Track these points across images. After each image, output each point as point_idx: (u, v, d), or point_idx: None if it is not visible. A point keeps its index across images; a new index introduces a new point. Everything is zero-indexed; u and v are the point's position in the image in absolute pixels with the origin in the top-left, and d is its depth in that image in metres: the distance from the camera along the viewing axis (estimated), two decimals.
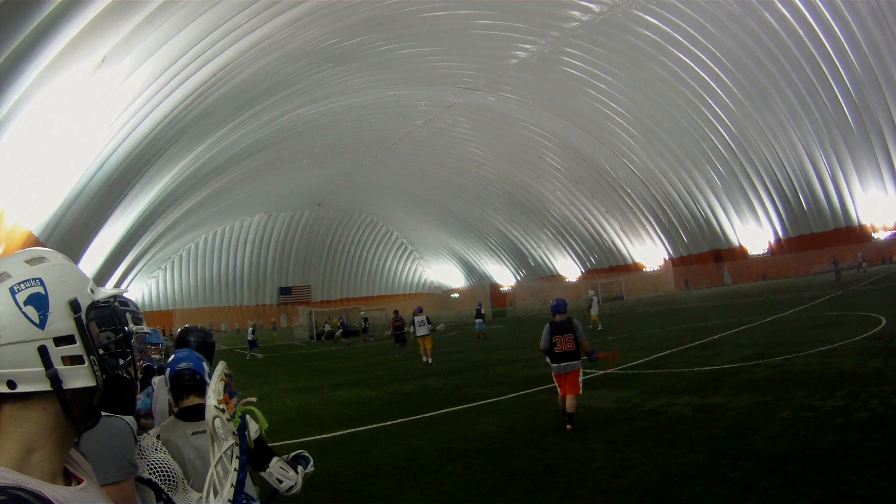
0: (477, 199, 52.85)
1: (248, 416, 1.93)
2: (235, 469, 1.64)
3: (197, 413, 2.47)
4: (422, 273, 77.08)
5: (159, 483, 2.06)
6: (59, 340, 0.96)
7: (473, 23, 27.53)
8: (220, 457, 1.63)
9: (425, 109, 37.25)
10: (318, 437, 8.32)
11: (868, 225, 34.07)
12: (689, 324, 20.56)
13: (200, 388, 2.58)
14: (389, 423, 8.84)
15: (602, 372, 11.31)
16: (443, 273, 74.39)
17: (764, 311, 21.51)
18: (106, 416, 1.54)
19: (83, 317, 0.99)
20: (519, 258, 59.85)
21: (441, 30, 27.40)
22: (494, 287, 61.11)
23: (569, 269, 54.54)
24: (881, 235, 33.98)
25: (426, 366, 16.14)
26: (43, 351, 0.94)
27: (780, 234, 38.13)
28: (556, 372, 7.64)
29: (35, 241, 16.26)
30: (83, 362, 0.98)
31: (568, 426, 7.25)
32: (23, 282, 0.95)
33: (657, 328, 20.55)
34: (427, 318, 17.39)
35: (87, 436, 1.66)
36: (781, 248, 38.52)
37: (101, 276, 27.01)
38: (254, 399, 2.03)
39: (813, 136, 32.06)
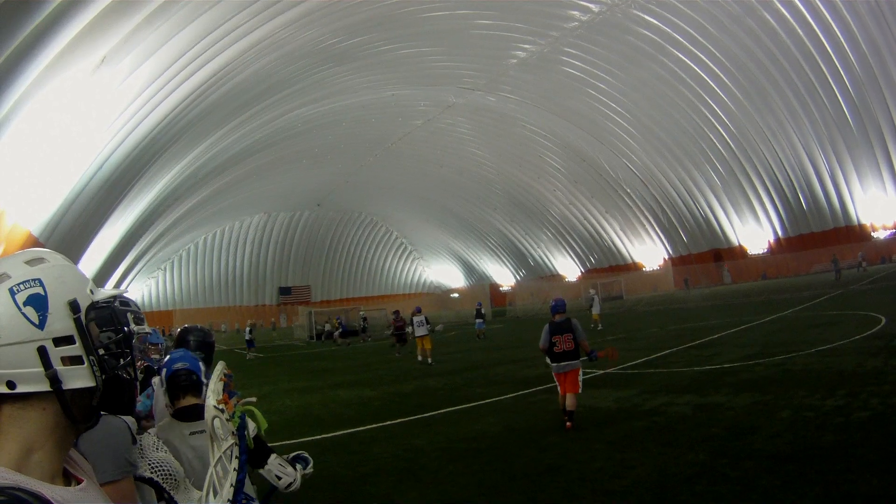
0: (477, 198, 52.85)
1: (245, 416, 1.93)
2: (235, 469, 1.64)
3: (194, 413, 2.46)
4: (421, 273, 77.08)
5: (161, 482, 2.06)
6: (59, 341, 0.96)
7: (473, 23, 27.53)
8: (220, 457, 1.63)
9: (425, 109, 37.26)
10: (318, 437, 8.32)
11: (868, 224, 34.09)
12: (689, 323, 20.56)
13: (197, 388, 2.56)
14: (389, 423, 8.84)
15: (602, 371, 11.31)
16: (442, 273, 74.39)
17: (764, 310, 21.51)
18: (103, 415, 1.54)
19: (82, 317, 0.99)
20: (518, 258, 59.85)
21: (441, 30, 27.40)
22: (494, 287, 61.12)
23: (568, 268, 54.54)
24: (881, 235, 33.99)
25: (426, 366, 16.11)
26: (42, 351, 0.94)
27: (780, 233, 38.15)
28: (555, 371, 7.69)
29: (35, 242, 16.27)
30: (83, 363, 0.98)
31: (567, 423, 7.28)
32: (22, 282, 0.95)
33: (657, 328, 20.55)
34: (426, 319, 17.34)
35: (84, 435, 1.66)
36: (781, 247, 38.54)
37: (101, 277, 27.01)
38: (253, 399, 2.03)
39: (812, 136, 32.07)
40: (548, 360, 7.86)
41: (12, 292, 0.94)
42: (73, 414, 0.96)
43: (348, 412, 10.19)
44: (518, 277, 61.57)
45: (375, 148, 42.63)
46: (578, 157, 42.25)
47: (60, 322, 0.96)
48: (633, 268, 48.13)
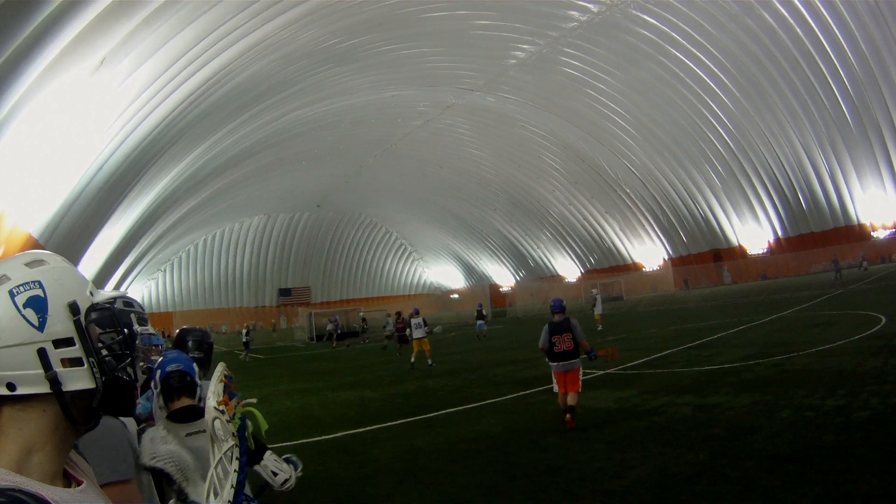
0: (476, 199, 52.86)
1: (245, 417, 1.93)
2: (235, 470, 1.64)
3: (189, 414, 2.44)
4: (421, 274, 77.06)
5: (172, 473, 2.07)
6: (59, 343, 0.96)
7: (472, 23, 27.54)
8: (220, 458, 1.63)
9: (424, 110, 37.26)
10: (318, 438, 8.32)
11: (867, 224, 34.11)
12: (689, 323, 20.56)
13: (191, 390, 2.54)
14: (390, 424, 8.84)
15: (602, 372, 11.32)
16: (442, 274, 74.37)
17: (763, 310, 21.52)
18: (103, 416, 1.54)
19: (82, 319, 0.99)
20: (518, 258, 59.85)
21: (440, 30, 27.41)
22: (494, 288, 61.15)
23: (568, 269, 54.54)
24: (880, 234, 34.01)
25: (427, 367, 16.07)
26: (42, 353, 0.94)
27: (780, 233, 38.16)
28: (556, 370, 7.73)
29: (34, 243, 16.26)
30: (82, 364, 0.98)
31: (567, 415, 7.34)
32: (22, 284, 0.95)
33: (657, 328, 20.55)
34: (424, 321, 17.26)
35: (84, 437, 1.66)
36: (781, 247, 38.55)
37: (101, 278, 26.99)
38: (254, 400, 2.03)
39: (812, 136, 32.09)
40: (548, 361, 7.90)
41: (12, 294, 0.94)
42: (73, 416, 0.97)
43: (349, 413, 10.19)
44: (518, 278, 61.57)
45: (375, 149, 42.62)
46: (578, 157, 42.26)
47: (60, 324, 0.97)
48: (633, 268, 48.13)
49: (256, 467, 2.53)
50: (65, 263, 1.05)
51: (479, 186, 50.10)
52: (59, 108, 13.88)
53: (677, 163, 38.34)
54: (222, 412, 1.72)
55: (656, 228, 44.57)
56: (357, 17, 22.61)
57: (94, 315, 1.03)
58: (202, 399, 2.54)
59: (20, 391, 0.92)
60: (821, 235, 35.95)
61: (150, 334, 3.68)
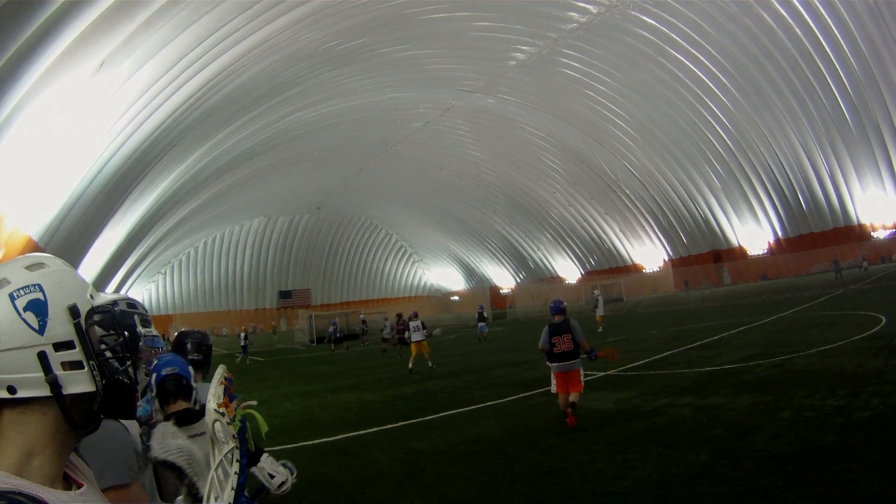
0: (476, 201, 52.87)
1: (246, 420, 1.93)
2: (236, 472, 1.64)
3: (185, 418, 2.44)
4: (421, 276, 77.06)
5: (183, 468, 2.07)
6: (59, 346, 0.96)
7: (472, 25, 27.58)
8: (221, 460, 1.63)
9: (424, 112, 37.29)
10: (319, 440, 8.32)
11: (867, 224, 34.12)
12: (689, 324, 20.56)
13: (187, 393, 2.54)
14: (390, 426, 8.83)
15: (602, 373, 11.31)
16: (442, 276, 74.37)
17: (764, 311, 21.51)
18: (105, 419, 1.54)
19: (82, 322, 0.99)
20: (518, 260, 59.85)
21: (439, 32, 27.45)
22: (494, 289, 61.14)
23: (568, 270, 54.55)
24: (880, 234, 34.02)
25: (427, 369, 16.06)
26: (42, 356, 0.94)
27: (780, 234, 38.17)
28: (555, 371, 7.77)
29: (34, 246, 16.27)
30: (83, 367, 0.98)
31: (568, 409, 7.40)
32: (22, 288, 0.95)
33: (657, 329, 20.55)
34: (422, 324, 17.14)
35: (87, 440, 1.67)
36: (781, 248, 38.55)
37: (101, 281, 27.00)
38: (254, 402, 2.03)
39: (811, 136, 32.11)
40: (548, 362, 7.94)
41: (12, 297, 0.94)
42: (74, 419, 0.97)
43: (349, 416, 10.19)
44: (518, 280, 61.57)
45: (375, 151, 42.65)
46: (578, 158, 42.28)
47: (60, 327, 0.97)
48: (633, 269, 48.14)
49: (253, 470, 2.53)
50: (65, 266, 1.05)
51: (480, 188, 50.12)
52: (60, 110, 13.91)
53: (677, 164, 38.36)
54: (222, 414, 1.72)
55: (656, 229, 44.57)
56: (357, 18, 22.65)
57: (94, 318, 1.03)
58: (197, 402, 2.55)
59: (20, 394, 0.92)
60: (821, 236, 35.96)
61: (154, 336, 3.67)
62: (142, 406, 3.20)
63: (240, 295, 64.29)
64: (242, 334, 27.77)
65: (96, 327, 1.04)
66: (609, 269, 49.57)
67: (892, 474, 4.54)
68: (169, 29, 15.10)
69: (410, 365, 16.38)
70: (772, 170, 35.10)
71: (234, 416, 1.77)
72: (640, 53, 30.67)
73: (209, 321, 56.60)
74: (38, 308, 0.95)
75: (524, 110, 37.84)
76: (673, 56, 30.62)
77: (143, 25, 14.09)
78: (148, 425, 2.35)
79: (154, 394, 2.55)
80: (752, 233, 39.46)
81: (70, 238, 18.79)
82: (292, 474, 2.66)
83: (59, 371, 0.95)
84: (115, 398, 1.03)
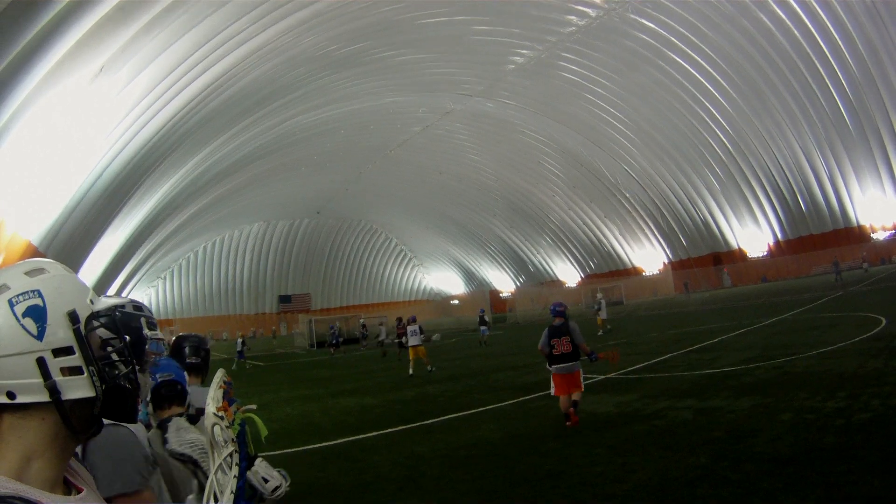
0: (476, 205, 52.89)
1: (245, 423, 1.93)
2: (235, 476, 1.64)
3: None
4: (421, 280, 77.02)
5: (200, 460, 2.09)
6: (58, 352, 0.96)
7: (471, 28, 27.63)
8: (220, 464, 1.64)
9: (424, 116, 37.34)
10: (319, 445, 8.31)
11: (867, 226, 34.14)
12: (689, 327, 20.55)
13: (181, 398, 2.55)
14: (390, 430, 8.83)
15: (602, 377, 11.30)
16: (442, 280, 74.33)
17: (764, 313, 21.50)
18: (112, 425, 1.55)
19: (81, 328, 0.99)
20: (518, 264, 59.83)
21: (439, 36, 27.50)
22: (494, 293, 61.11)
23: (568, 274, 54.54)
24: (880, 236, 34.04)
25: (427, 373, 16.03)
26: (41, 362, 0.94)
27: (780, 236, 38.19)
28: (555, 373, 7.85)
29: (34, 251, 16.25)
30: (82, 373, 0.98)
31: (571, 409, 7.49)
32: (21, 294, 0.96)
33: (657, 332, 20.54)
34: (420, 328, 17.09)
35: (91, 446, 1.67)
36: (781, 250, 38.57)
37: (101, 286, 26.98)
38: (253, 406, 2.03)
39: (811, 138, 32.15)
40: (548, 366, 7.99)
41: (11, 304, 0.94)
42: (73, 424, 0.97)
43: (349, 420, 10.18)
44: (518, 283, 61.55)
45: (375, 155, 42.69)
46: (577, 162, 42.32)
47: (59, 333, 0.97)
48: (633, 272, 48.14)
49: (248, 473, 2.53)
50: (65, 272, 1.05)
51: (479, 192, 50.15)
52: (59, 115, 13.91)
53: (676, 166, 38.40)
54: (221, 418, 1.72)
55: (656, 232, 44.59)
56: (357, 22, 22.69)
57: (95, 323, 1.03)
58: (191, 406, 2.56)
59: (20, 400, 0.93)
60: (820, 238, 35.98)
61: (159, 339, 3.67)
62: (142, 410, 3.21)
63: (240, 299, 64.23)
64: (240, 340, 27.74)
65: (98, 332, 1.04)
66: (609, 273, 49.56)
67: (893, 476, 4.54)
68: (168, 34, 15.13)
69: (411, 370, 16.33)
70: (771, 172, 35.14)
71: (234, 420, 1.78)
72: (639, 56, 30.73)
73: (209, 326, 56.52)
74: (37, 314, 0.95)
75: (523, 114, 37.89)
76: (672, 59, 30.67)
77: (142, 30, 14.11)
78: (159, 422, 2.38)
79: (148, 398, 2.56)
80: (752, 235, 39.48)
81: (70, 243, 18.78)
82: (286, 481, 2.66)
83: (58, 377, 0.95)
84: (116, 402, 1.03)
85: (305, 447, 8.18)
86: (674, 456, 5.84)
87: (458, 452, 7.06)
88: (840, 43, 27.41)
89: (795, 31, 27.59)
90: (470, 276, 69.19)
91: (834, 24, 26.88)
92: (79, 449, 1.63)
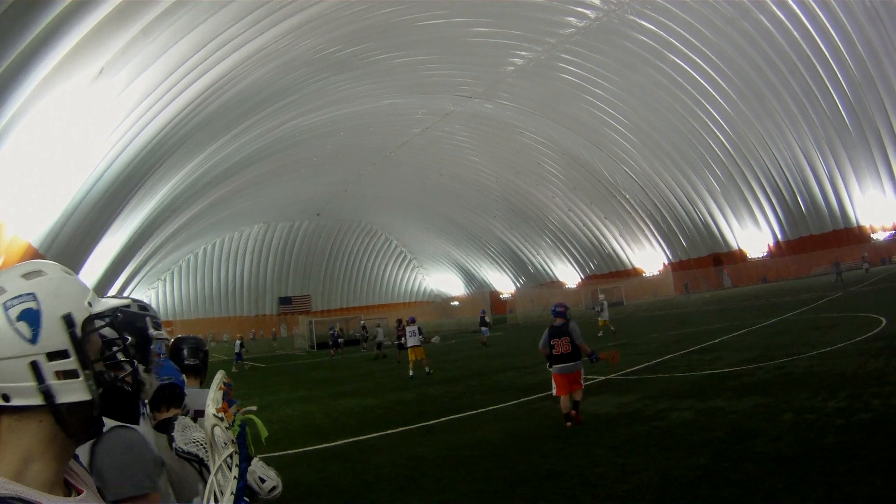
0: (476, 206, 52.91)
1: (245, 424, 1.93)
2: (235, 477, 1.64)
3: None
4: (421, 281, 77.04)
5: (205, 459, 2.09)
6: (53, 355, 0.95)
7: (469, 30, 27.65)
8: (220, 465, 1.63)
9: (423, 118, 37.37)
10: (320, 446, 8.30)
11: (867, 226, 34.14)
12: (690, 328, 20.53)
13: (179, 400, 2.55)
14: (391, 431, 8.82)
15: (603, 377, 11.29)
16: (442, 281, 74.36)
17: (764, 313, 21.48)
18: (121, 426, 1.54)
19: (77, 331, 0.98)
20: (518, 265, 59.84)
21: (437, 38, 27.52)
22: (494, 294, 61.12)
23: (568, 275, 54.54)
24: (880, 236, 34.05)
25: (425, 375, 16.00)
26: (35, 366, 0.94)
27: (780, 236, 38.20)
28: (556, 373, 7.87)
29: (35, 253, 16.25)
30: (78, 376, 0.97)
31: (573, 412, 7.56)
32: (16, 297, 0.95)
33: (657, 333, 20.52)
34: (419, 329, 17.01)
35: (101, 449, 1.67)
36: (781, 250, 38.57)
37: (101, 288, 26.96)
38: (254, 408, 2.03)
39: (810, 139, 32.17)
40: (548, 366, 8.01)
41: (5, 307, 0.94)
42: (69, 427, 0.96)
43: (350, 421, 10.17)
44: (518, 285, 61.56)
45: (374, 157, 42.72)
46: (577, 163, 42.35)
47: (54, 336, 0.96)
48: (633, 273, 48.15)
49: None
50: (64, 273, 1.04)
51: (479, 193, 50.17)
52: (58, 117, 13.92)
53: (676, 168, 38.42)
54: (221, 419, 1.72)
55: (656, 233, 44.60)
56: (355, 25, 22.71)
57: (93, 325, 1.02)
58: (188, 408, 2.55)
59: (14, 403, 0.92)
60: (820, 238, 36.00)
61: (165, 339, 3.67)
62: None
63: (240, 301, 64.27)
64: (238, 342, 27.73)
65: (101, 333, 1.04)
66: (609, 274, 49.57)
67: (894, 475, 4.53)
68: (167, 36, 15.15)
69: (411, 372, 16.29)
70: (771, 173, 35.16)
71: (234, 421, 1.77)
72: (639, 58, 30.76)
73: (209, 327, 56.56)
74: (31, 317, 0.95)
75: (523, 115, 37.92)
76: (671, 60, 30.70)
77: (141, 33, 14.13)
78: (170, 417, 2.38)
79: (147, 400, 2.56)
80: (752, 236, 39.49)
81: (70, 245, 18.78)
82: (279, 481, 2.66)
83: (52, 381, 0.94)
84: (117, 403, 1.03)
85: (306, 448, 8.17)
86: (675, 456, 5.84)
87: (458, 453, 7.05)
88: (839, 44, 27.43)
89: (795, 33, 27.62)
90: (470, 278, 69.20)
91: (833, 25, 26.91)
92: (87, 451, 1.63)
